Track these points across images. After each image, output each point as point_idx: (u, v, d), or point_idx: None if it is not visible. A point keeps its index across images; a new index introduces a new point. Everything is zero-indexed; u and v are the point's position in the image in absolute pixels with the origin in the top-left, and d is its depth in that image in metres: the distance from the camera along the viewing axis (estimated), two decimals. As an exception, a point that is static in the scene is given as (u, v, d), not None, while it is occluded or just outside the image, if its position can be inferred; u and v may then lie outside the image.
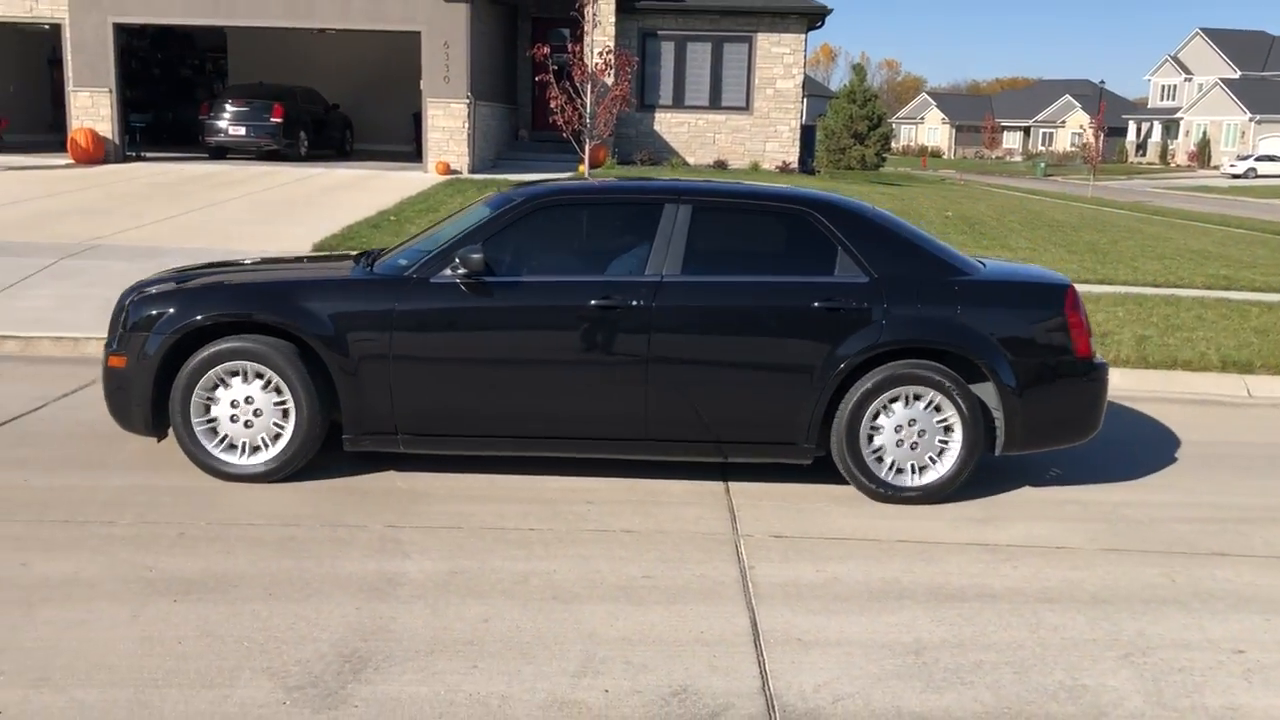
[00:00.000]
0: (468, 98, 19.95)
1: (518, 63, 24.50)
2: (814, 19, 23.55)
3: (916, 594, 4.40)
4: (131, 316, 5.41)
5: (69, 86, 20.60)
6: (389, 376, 5.31)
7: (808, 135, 25.54)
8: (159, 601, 4.05)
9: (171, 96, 27.46)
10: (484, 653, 3.78)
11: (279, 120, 21.35)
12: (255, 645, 3.77)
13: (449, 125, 20.06)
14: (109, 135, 20.46)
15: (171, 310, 5.34)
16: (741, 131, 23.68)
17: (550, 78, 9.73)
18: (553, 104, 9.54)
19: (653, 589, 4.35)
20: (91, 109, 20.43)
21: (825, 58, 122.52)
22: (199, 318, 5.29)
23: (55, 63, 24.85)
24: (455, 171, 19.91)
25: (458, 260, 5.29)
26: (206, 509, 4.99)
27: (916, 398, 5.42)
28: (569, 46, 20.89)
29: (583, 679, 3.65)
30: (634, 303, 5.28)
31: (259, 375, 5.32)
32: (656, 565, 4.58)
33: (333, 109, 24.14)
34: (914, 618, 4.18)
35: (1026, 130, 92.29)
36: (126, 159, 20.79)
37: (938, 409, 5.42)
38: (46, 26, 22.60)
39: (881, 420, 5.43)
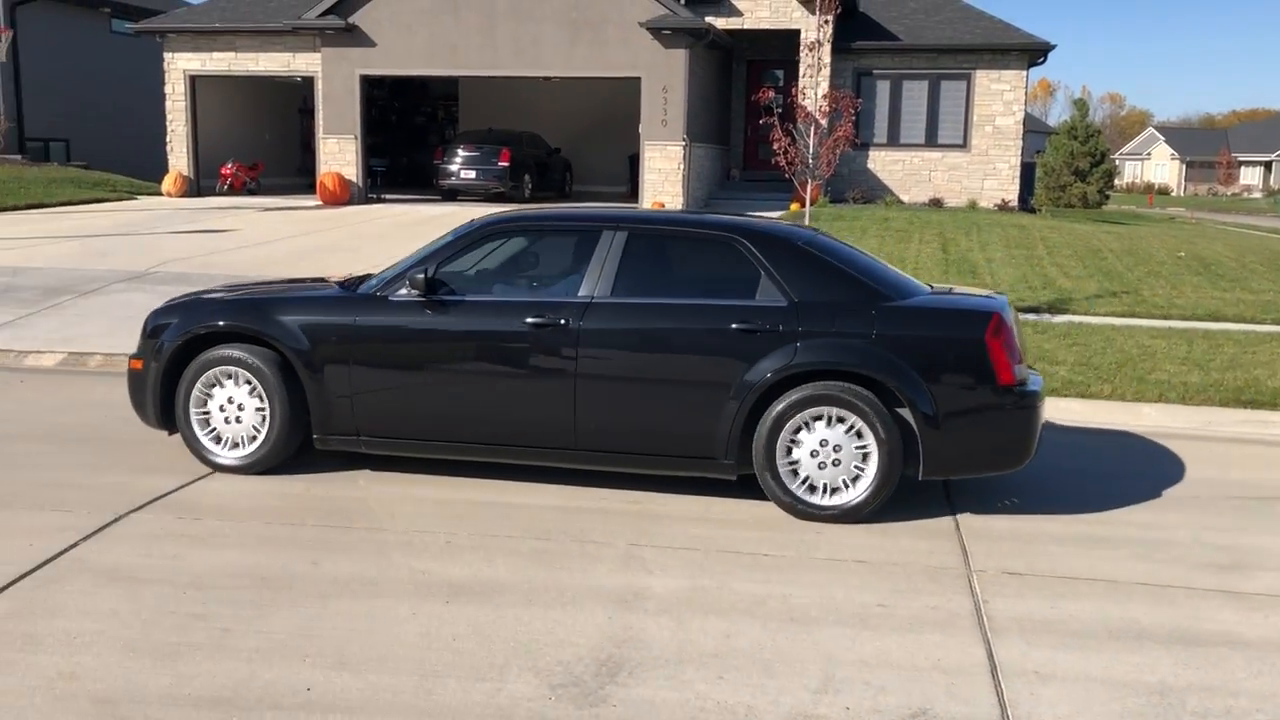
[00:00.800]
0: (684, 140, 20.51)
1: (731, 104, 24.98)
2: (1035, 55, 23.05)
3: (1158, 636, 4.35)
4: (148, 326, 6.24)
5: (319, 134, 22.35)
6: (350, 383, 5.92)
7: (1027, 173, 24.92)
8: (432, 602, 4.47)
9: (408, 142, 29.29)
10: (728, 665, 4.00)
11: (506, 164, 22.50)
12: (520, 645, 4.12)
13: (664, 167, 20.66)
14: (353, 178, 22.06)
15: (175, 321, 6.14)
16: (958, 169, 23.35)
17: (775, 119, 9.97)
18: (775, 145, 9.77)
19: (888, 616, 4.47)
20: (338, 154, 22.08)
21: (1043, 92, 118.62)
22: (195, 328, 6.05)
23: (305, 112, 27.03)
24: (671, 211, 20.47)
25: (408, 280, 5.85)
26: (466, 519, 5.44)
27: (836, 419, 5.52)
28: (785, 88, 21.21)
29: (824, 696, 3.81)
30: (563, 321, 5.66)
31: (247, 380, 6.02)
32: (890, 595, 4.70)
33: (555, 153, 25.23)
34: (1156, 659, 4.15)
35: (1268, 165, 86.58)
36: (368, 200, 22.34)
37: (856, 431, 5.51)
38: (300, 80, 24.61)
39: (801, 438, 5.55)
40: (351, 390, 5.92)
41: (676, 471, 5.78)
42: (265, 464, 6.05)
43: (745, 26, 22.53)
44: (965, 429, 5.48)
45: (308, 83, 23.94)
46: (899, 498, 5.80)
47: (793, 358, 5.47)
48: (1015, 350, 5.57)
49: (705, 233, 5.91)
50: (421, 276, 5.79)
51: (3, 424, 7.00)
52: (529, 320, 5.70)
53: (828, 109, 9.71)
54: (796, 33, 22.02)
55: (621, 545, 5.18)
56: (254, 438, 6.04)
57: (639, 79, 20.62)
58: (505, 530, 5.33)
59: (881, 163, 23.53)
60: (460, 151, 22.83)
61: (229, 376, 6.04)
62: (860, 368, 5.45)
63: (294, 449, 6.09)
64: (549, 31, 20.88)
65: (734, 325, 5.54)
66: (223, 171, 23.66)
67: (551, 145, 25.26)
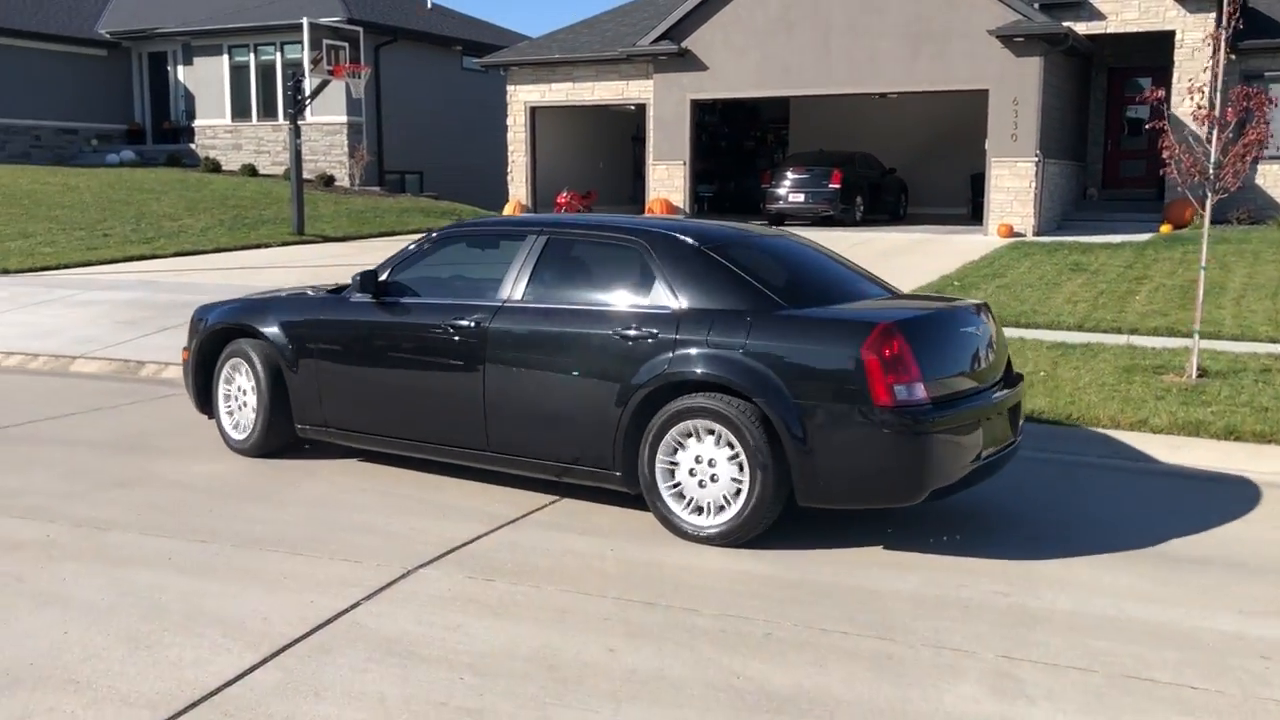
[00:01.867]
0: (1035, 156, 18.69)
1: (1088, 117, 22.70)
2: None
3: None
4: (193, 322, 7.09)
5: (649, 160, 22.31)
6: (317, 377, 6.34)
7: None
8: (747, 717, 3.56)
9: (734, 167, 28.95)
10: None
11: (837, 186, 21.48)
12: (860, 799, 3.12)
13: (1014, 185, 18.90)
14: (681, 204, 21.80)
15: (205, 320, 6.94)
16: (1371, 185, 19.94)
17: (1165, 124, 8.40)
18: (1165, 153, 8.21)
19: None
20: (666, 180, 21.92)
21: None
22: (212, 324, 6.86)
23: (638, 140, 27.22)
24: (1018, 234, 18.68)
25: (360, 281, 6.17)
26: (793, 605, 4.50)
27: (710, 433, 5.13)
28: (1150, 94, 18.88)
29: None
30: (475, 324, 5.73)
31: (251, 370, 6.61)
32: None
33: (889, 173, 23.95)
34: None
35: None
36: (695, 226, 21.99)
37: (731, 447, 5.07)
38: (633, 108, 24.78)
39: (680, 455, 5.22)
40: (319, 383, 6.34)
41: (581, 481, 5.62)
42: (258, 449, 6.60)
43: (1108, 30, 20.33)
44: (839, 453, 4.93)
45: (640, 110, 24.05)
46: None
47: (667, 367, 5.19)
48: (907, 367, 4.86)
49: (611, 236, 5.75)
50: (370, 278, 6.14)
51: (318, 458, 6.80)
52: (449, 322, 5.84)
53: (1236, 110, 8.04)
54: (1169, 35, 19.60)
55: (989, 657, 4.05)
56: (249, 426, 6.66)
57: (985, 91, 19.02)
58: (839, 623, 4.33)
59: (1274, 178, 20.50)
60: (789, 174, 22.06)
61: (236, 369, 6.74)
62: (725, 380, 5.06)
63: (286, 438, 6.63)
64: (887, 46, 19.72)
65: (619, 332, 5.36)
66: (558, 200, 24.17)
67: (885, 166, 23.99)
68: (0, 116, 27.24)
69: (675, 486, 5.24)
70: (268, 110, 27.18)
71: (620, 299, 5.50)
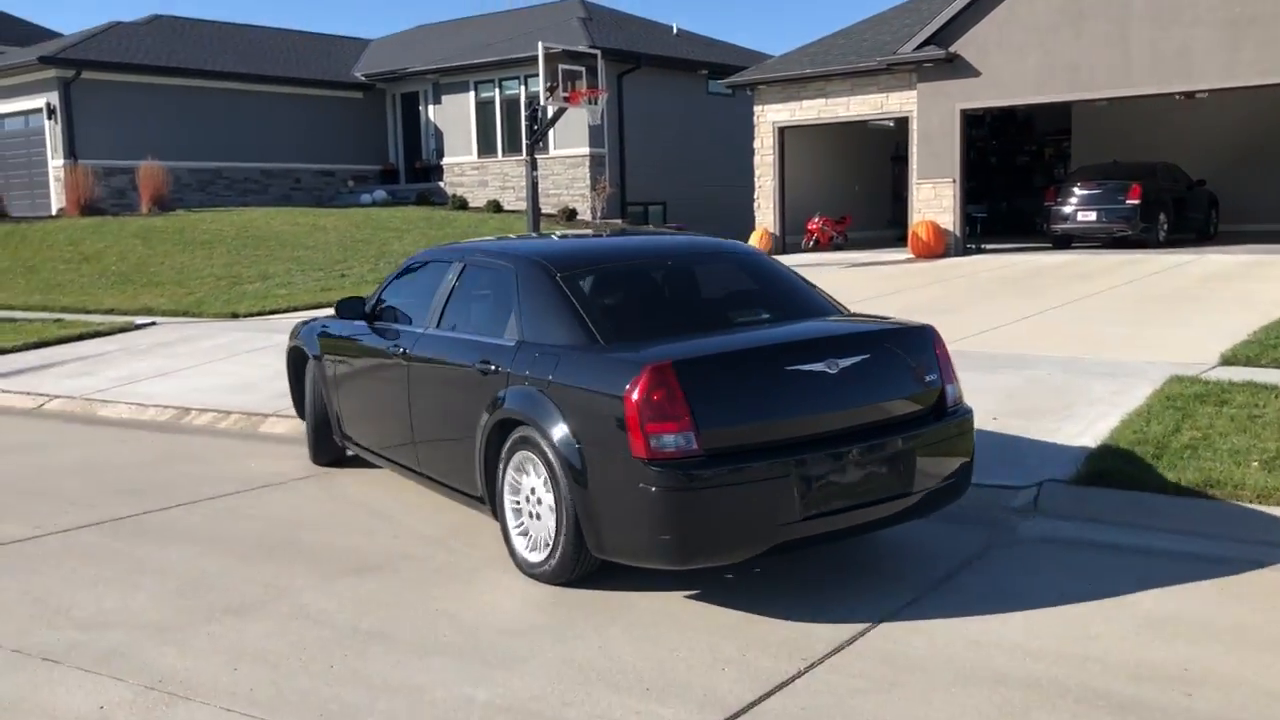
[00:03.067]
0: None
1: None
2: None
3: None
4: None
5: (912, 179, 20.07)
6: (337, 389, 6.80)
7: None
8: None
9: (1007, 185, 26.15)
10: None
11: (1135, 202, 18.51)
12: None
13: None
14: (949, 227, 19.43)
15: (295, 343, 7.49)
16: None
17: None
18: None
19: None
20: (933, 201, 19.60)
21: None
22: (289, 343, 7.55)
23: (897, 159, 24.99)
24: (1379, 253, 15.26)
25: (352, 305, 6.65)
26: None
27: (534, 467, 4.88)
28: None
29: None
30: (404, 351, 5.91)
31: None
32: None
33: (1196, 185, 20.62)
34: None
35: None
36: (965, 251, 19.58)
37: (547, 485, 4.79)
38: (891, 124, 22.61)
39: (521, 490, 5.01)
40: (339, 396, 6.76)
41: (481, 511, 5.41)
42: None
43: None
44: (609, 504, 4.50)
45: (900, 126, 21.86)
46: None
47: (503, 402, 5.02)
48: (672, 414, 4.27)
49: (495, 261, 5.67)
50: (344, 303, 6.65)
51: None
52: (390, 347, 6.06)
53: None
54: None
55: None
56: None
57: (1331, 82, 15.74)
58: None
59: None
60: (1077, 190, 19.24)
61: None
62: (528, 418, 4.83)
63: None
64: (1201, 35, 16.73)
65: (478, 364, 5.26)
66: (809, 227, 22.28)
67: (1192, 177, 20.69)
68: (263, 161, 28.08)
69: (520, 523, 5.04)
70: (512, 145, 26.72)
71: (491, 328, 5.43)
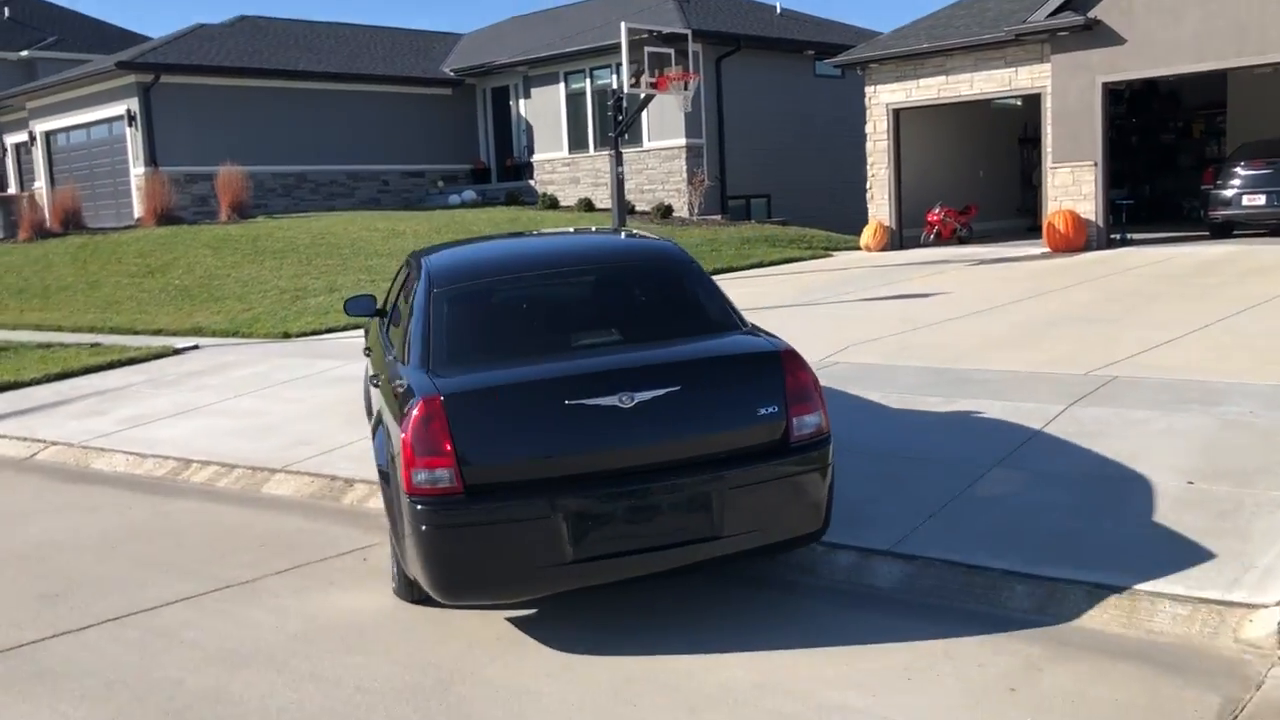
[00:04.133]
0: None
1: None
2: None
3: None
4: None
5: (1046, 163, 17.80)
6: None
7: None
8: None
9: (1149, 167, 23.53)
10: None
11: (1314, 182, 15.97)
12: None
13: None
14: (1090, 216, 17.13)
15: None
16: None
17: None
18: None
19: None
20: (1070, 187, 17.31)
21: None
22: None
23: (1027, 141, 22.65)
24: None
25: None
26: None
27: None
28: None
29: None
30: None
31: None
32: None
33: (1382, 161, 17.84)
34: None
35: None
36: (1109, 243, 17.24)
37: None
38: (1018, 102, 20.36)
39: None
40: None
41: None
42: None
43: None
44: (400, 533, 4.57)
45: (1030, 104, 19.58)
46: None
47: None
48: (433, 450, 4.22)
49: (415, 271, 5.55)
50: (373, 300, 6.66)
51: None
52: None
53: None
54: None
55: None
56: None
57: None
58: None
59: None
60: (1241, 170, 16.73)
61: None
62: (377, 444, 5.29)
63: None
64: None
65: (395, 382, 5.00)
66: (929, 218, 20.15)
67: (1377, 152, 17.93)
68: (349, 163, 27.06)
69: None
70: (604, 139, 25.03)
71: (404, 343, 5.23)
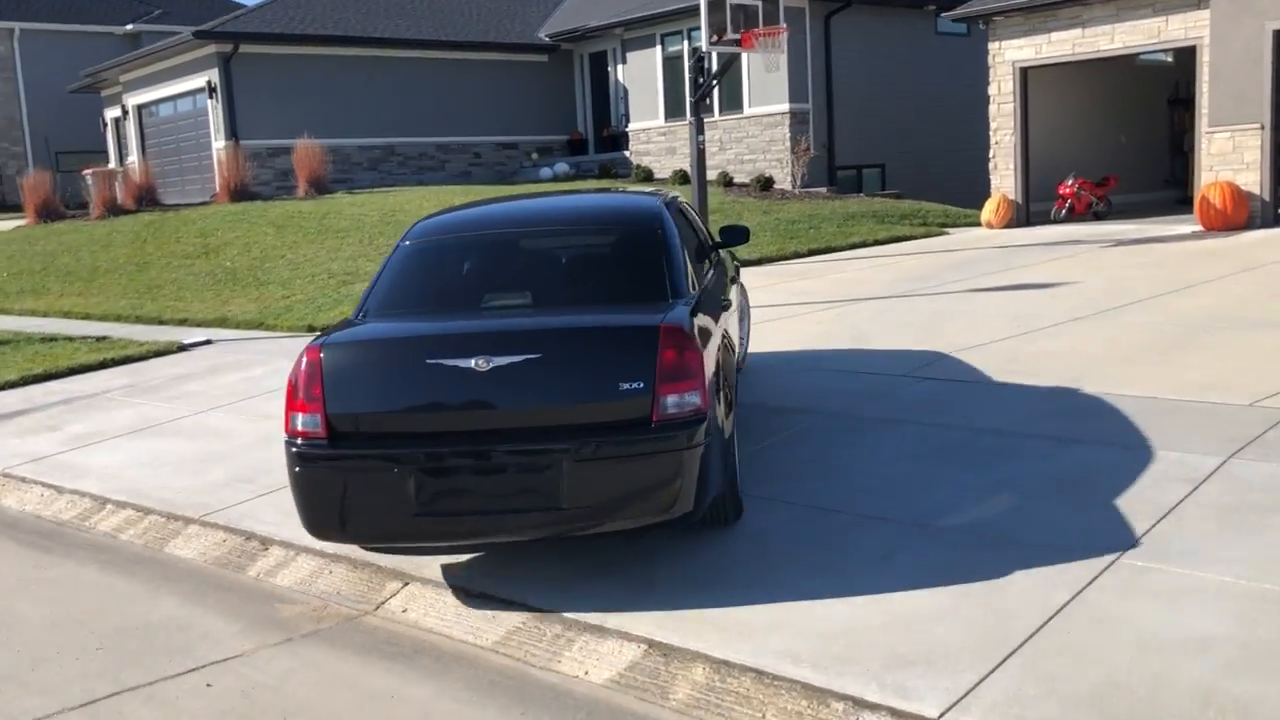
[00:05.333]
0: None
1: None
2: None
3: None
4: None
5: (1201, 127, 15.29)
6: None
7: None
8: None
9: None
10: None
11: None
12: None
13: None
14: (1254, 189, 14.60)
15: None
16: None
17: None
18: None
19: None
20: (1231, 154, 14.80)
21: None
22: None
23: (1177, 102, 19.99)
24: None
25: None
26: None
27: None
28: None
29: None
30: None
31: None
32: None
33: None
34: None
35: None
36: (1277, 221, 14.69)
37: None
38: (1168, 58, 17.79)
39: None
40: None
41: None
42: None
43: None
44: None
45: (1183, 58, 17.02)
46: None
47: None
48: (306, 395, 4.49)
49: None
50: None
51: None
52: None
53: None
54: None
55: None
56: None
57: None
58: None
59: None
60: None
61: None
62: None
63: None
64: None
65: None
66: (1060, 191, 17.78)
67: None
68: (440, 135, 25.86)
69: None
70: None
71: None
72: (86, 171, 24.84)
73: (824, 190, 20.84)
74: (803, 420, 6.71)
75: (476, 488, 4.35)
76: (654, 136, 24.55)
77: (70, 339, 11.10)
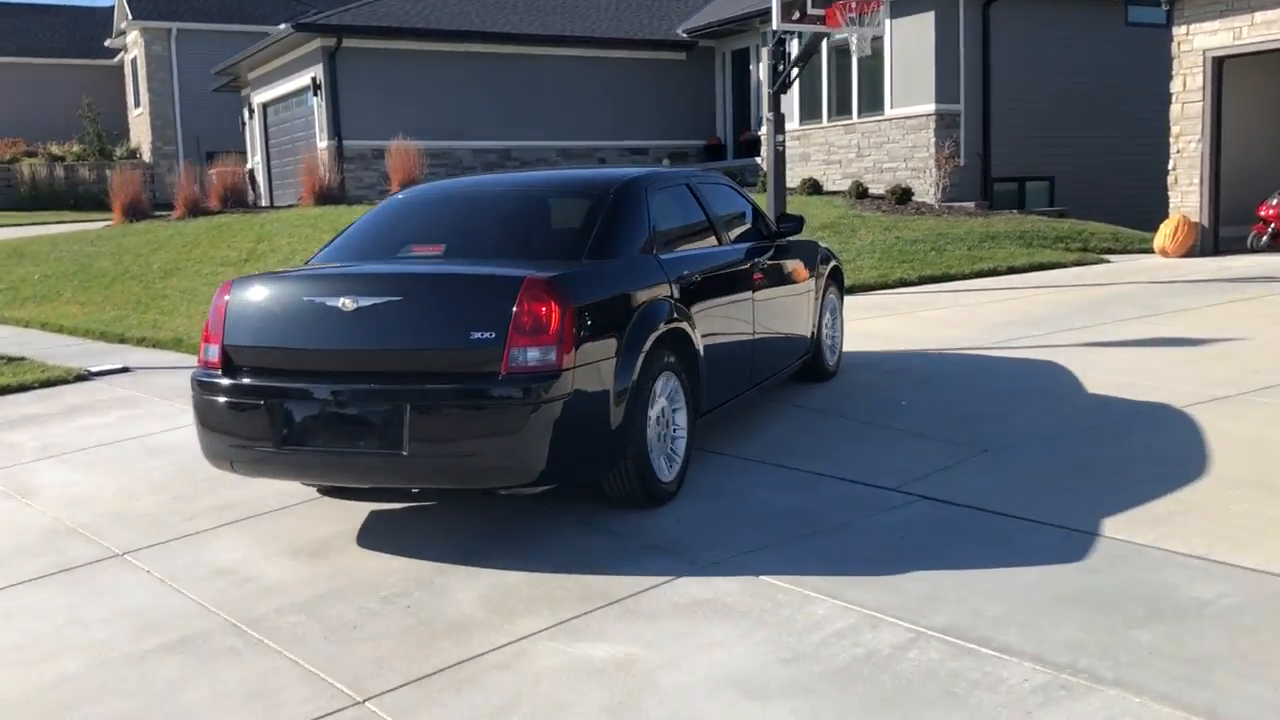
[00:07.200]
0: None
1: None
2: None
3: None
4: None
5: None
6: None
7: None
8: None
9: None
10: None
11: None
12: None
13: None
14: None
15: None
16: None
17: None
18: None
19: None
20: None
21: None
22: None
23: None
24: None
25: None
26: None
27: None
28: None
29: None
30: None
31: None
32: None
33: None
34: None
35: None
36: None
37: None
38: None
39: None
40: None
41: None
42: None
43: None
44: None
45: None
46: None
47: None
48: (213, 327, 4.82)
49: None
50: None
51: None
52: None
53: None
54: None
55: None
56: None
57: None
58: None
59: None
60: None
61: None
62: None
63: None
64: None
65: None
66: (1261, 213, 14.22)
67: None
68: (562, 139, 23.98)
69: None
70: (840, 106, 20.46)
71: None
72: (213, 170, 24.26)
73: (971, 205, 17.71)
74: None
75: (331, 427, 4.47)
76: (789, 141, 21.87)
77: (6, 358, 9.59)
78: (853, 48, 11.81)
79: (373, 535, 4.84)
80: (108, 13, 38.70)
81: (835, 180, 20.22)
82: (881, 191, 18.61)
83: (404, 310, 4.43)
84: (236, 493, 5.52)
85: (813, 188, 19.88)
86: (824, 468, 5.45)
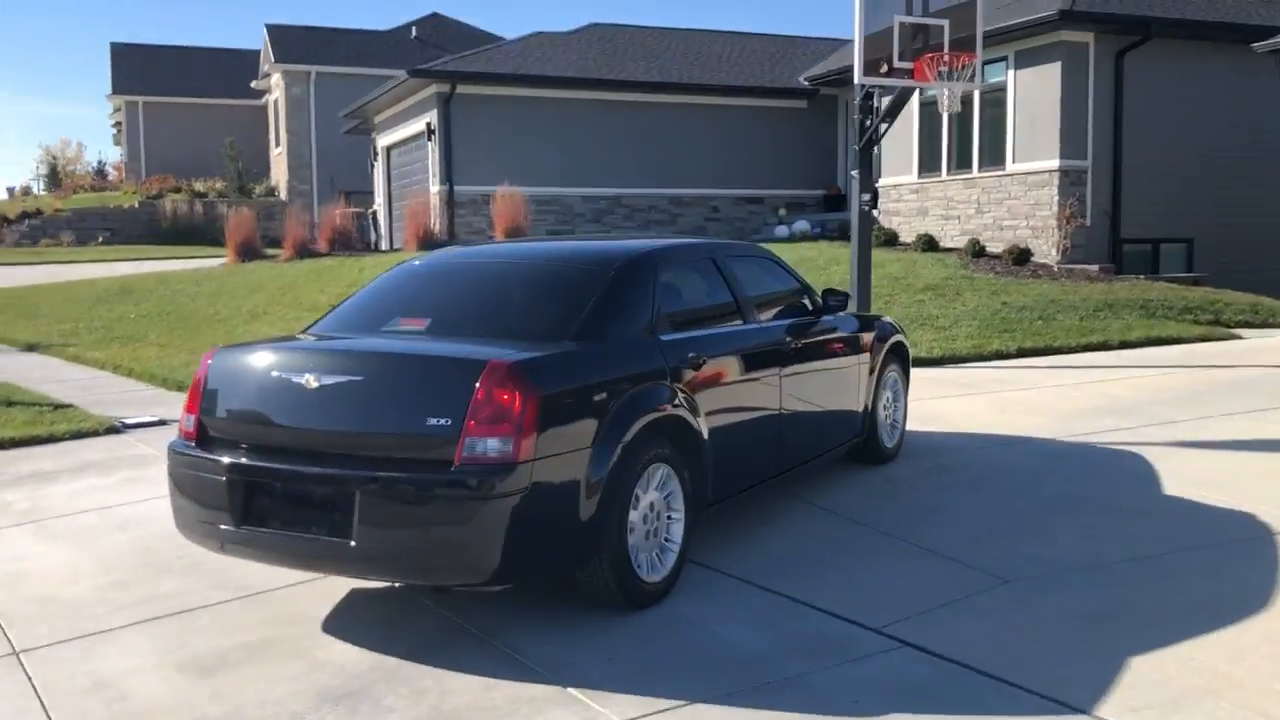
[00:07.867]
0: None
1: None
2: None
3: None
4: None
5: None
6: None
7: None
8: None
9: None
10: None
11: None
12: None
13: None
14: None
15: None
16: None
17: None
18: None
19: None
20: None
21: None
22: None
23: None
24: None
25: None
26: None
27: None
28: None
29: None
30: None
31: None
32: None
33: None
34: None
35: None
36: None
37: None
38: None
39: None
40: None
41: None
42: None
43: None
44: None
45: None
46: None
47: None
48: (191, 399, 4.76)
49: None
50: None
51: None
52: None
53: None
54: None
55: None
56: None
57: None
58: None
59: None
60: None
61: None
62: None
63: None
64: None
65: None
66: None
67: None
68: (675, 186, 23.60)
69: None
70: (961, 160, 19.44)
71: None
72: (337, 211, 24.71)
73: (1094, 269, 16.48)
74: None
75: (288, 509, 4.33)
76: (905, 194, 20.96)
77: (39, 404, 9.58)
78: (942, 105, 10.99)
79: (282, 647, 4.36)
80: (256, 55, 40.32)
81: (953, 236, 19.18)
82: (999, 251, 17.53)
83: (364, 390, 4.31)
84: (177, 582, 5.14)
85: (928, 244, 18.92)
86: (810, 593, 4.73)
